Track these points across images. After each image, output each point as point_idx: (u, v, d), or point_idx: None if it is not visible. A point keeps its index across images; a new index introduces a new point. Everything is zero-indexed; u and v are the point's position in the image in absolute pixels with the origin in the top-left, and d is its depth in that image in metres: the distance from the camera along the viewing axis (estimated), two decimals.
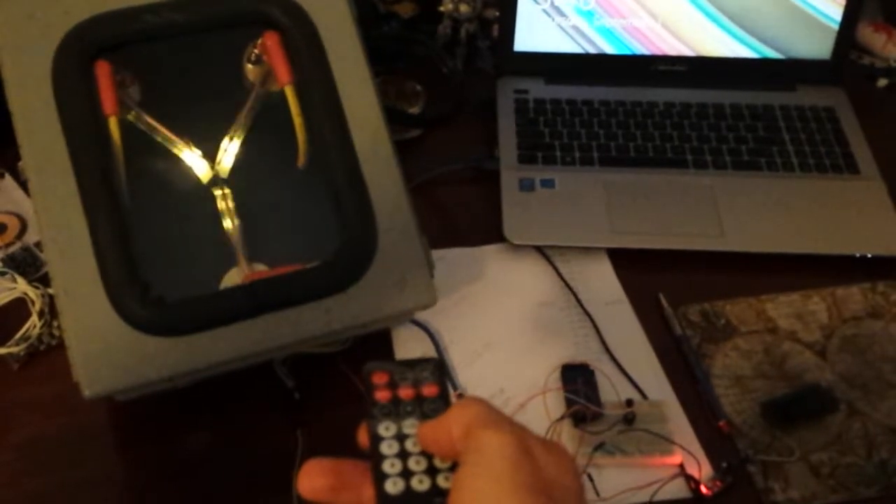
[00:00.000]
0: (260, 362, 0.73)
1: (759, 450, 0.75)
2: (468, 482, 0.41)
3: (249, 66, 0.79)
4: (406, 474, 0.44)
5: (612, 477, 0.72)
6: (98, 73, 0.72)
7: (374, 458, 0.44)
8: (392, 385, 0.46)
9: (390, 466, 0.44)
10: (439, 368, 0.48)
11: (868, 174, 0.96)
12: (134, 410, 0.75)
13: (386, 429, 0.45)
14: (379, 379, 0.47)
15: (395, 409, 0.46)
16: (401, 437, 0.45)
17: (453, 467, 0.43)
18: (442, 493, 0.43)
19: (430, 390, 0.46)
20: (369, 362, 0.47)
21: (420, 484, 0.43)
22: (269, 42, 0.77)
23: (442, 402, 0.46)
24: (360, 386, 0.74)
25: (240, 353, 0.69)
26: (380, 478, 0.43)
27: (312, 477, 0.44)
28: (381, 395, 0.46)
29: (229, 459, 0.74)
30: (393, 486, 0.43)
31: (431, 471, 0.44)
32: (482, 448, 0.41)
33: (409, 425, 0.45)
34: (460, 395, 0.78)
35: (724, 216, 0.91)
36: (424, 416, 0.45)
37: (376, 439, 0.45)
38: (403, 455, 0.44)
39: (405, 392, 0.46)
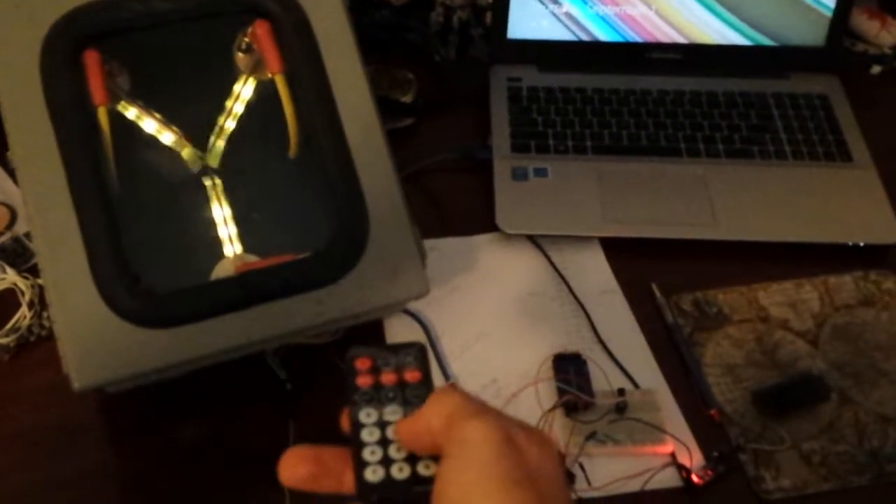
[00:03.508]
0: (251, 353, 0.73)
1: (750, 438, 0.75)
2: (454, 475, 0.40)
3: (240, 54, 0.79)
4: (386, 462, 0.44)
5: (604, 466, 0.72)
6: (86, 63, 0.72)
7: (354, 445, 0.44)
8: (374, 370, 0.46)
9: (370, 454, 0.44)
10: (423, 353, 0.47)
11: (861, 162, 0.96)
12: (124, 402, 0.74)
13: (367, 415, 0.45)
14: (362, 364, 0.46)
15: (377, 396, 0.45)
16: (382, 425, 0.44)
17: (434, 455, 0.43)
18: (422, 482, 0.43)
19: (412, 375, 0.46)
20: (353, 347, 0.47)
21: (400, 472, 0.43)
22: (260, 31, 0.76)
23: (424, 389, 0.46)
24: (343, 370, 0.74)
25: (231, 345, 0.68)
26: (360, 466, 0.43)
27: (292, 465, 0.44)
28: (363, 381, 0.46)
29: (221, 450, 0.74)
30: (373, 475, 0.43)
31: (412, 459, 0.44)
32: (467, 439, 0.41)
33: (391, 412, 0.45)
34: (452, 386, 0.77)
35: (716, 205, 0.91)
36: (406, 403, 0.45)
37: (357, 426, 0.44)
38: (384, 443, 0.44)
39: (387, 378, 0.46)
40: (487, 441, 0.40)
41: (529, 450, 0.42)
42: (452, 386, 0.45)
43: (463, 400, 0.43)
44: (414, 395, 0.45)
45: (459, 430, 0.41)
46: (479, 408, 0.42)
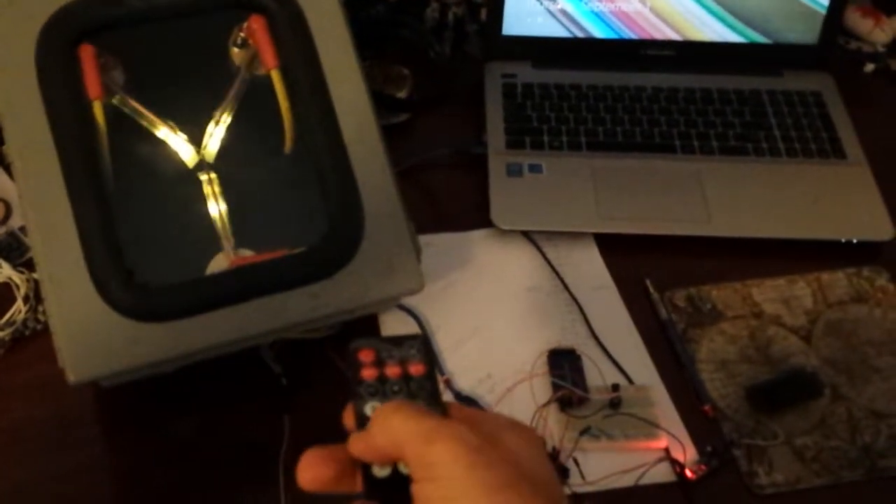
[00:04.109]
0: (246, 348, 0.73)
1: (743, 434, 0.76)
2: (434, 493, 0.40)
3: (235, 49, 0.79)
4: None
5: (598, 461, 0.73)
6: (82, 57, 0.71)
7: None
8: (378, 363, 0.46)
9: None
10: (425, 345, 0.47)
11: (854, 159, 0.97)
12: (119, 396, 0.74)
13: (372, 409, 0.44)
14: (365, 357, 0.46)
15: (382, 388, 0.45)
16: None
17: None
18: None
19: (416, 369, 0.46)
20: (355, 339, 0.46)
21: (406, 467, 0.43)
22: (255, 25, 0.76)
23: (429, 382, 0.45)
24: (342, 365, 0.75)
25: (226, 339, 0.68)
26: (367, 462, 0.43)
27: (315, 467, 0.43)
28: (368, 374, 0.45)
29: (216, 445, 0.74)
30: (380, 470, 0.43)
31: None
32: (434, 463, 0.40)
33: None
34: (447, 381, 0.78)
35: (710, 201, 0.92)
36: (412, 396, 0.45)
37: (363, 420, 0.44)
38: None
39: (392, 370, 0.45)
40: (454, 459, 0.40)
41: (511, 447, 0.41)
42: (395, 406, 0.43)
43: (412, 424, 0.41)
44: (419, 389, 0.45)
45: (423, 455, 0.40)
46: (432, 427, 0.41)
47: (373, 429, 0.43)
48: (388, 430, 0.42)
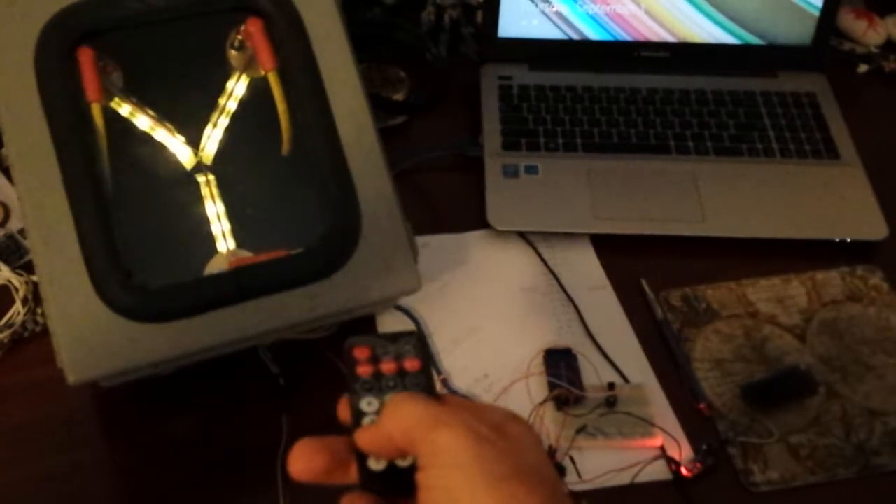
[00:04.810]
0: (244, 348, 0.73)
1: (738, 432, 0.76)
2: (438, 482, 0.40)
3: (233, 52, 0.79)
4: None
5: (594, 459, 0.73)
6: (81, 60, 0.72)
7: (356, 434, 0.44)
8: (374, 360, 0.46)
9: None
10: (421, 341, 0.47)
11: (848, 160, 0.97)
12: (119, 397, 0.75)
13: (368, 404, 0.45)
14: (360, 353, 0.46)
15: (378, 384, 0.45)
16: None
17: None
18: None
19: (412, 364, 0.46)
20: (350, 337, 0.47)
21: (403, 460, 0.43)
22: (253, 28, 0.77)
23: (424, 377, 0.46)
24: (340, 364, 0.75)
25: (224, 340, 0.69)
26: (362, 455, 0.44)
27: (307, 457, 0.43)
28: (363, 370, 0.46)
29: (214, 445, 0.74)
30: (376, 463, 0.43)
31: None
32: (440, 450, 0.41)
33: None
34: (444, 380, 0.78)
35: (705, 202, 0.92)
36: (407, 391, 0.45)
37: (359, 415, 0.44)
38: None
39: (387, 366, 0.46)
40: (460, 447, 0.40)
41: (511, 439, 0.42)
42: (407, 395, 0.44)
43: (421, 409, 0.42)
44: (414, 384, 0.45)
45: (428, 442, 0.41)
46: (440, 413, 0.42)
47: (384, 416, 0.43)
48: (399, 416, 0.42)
